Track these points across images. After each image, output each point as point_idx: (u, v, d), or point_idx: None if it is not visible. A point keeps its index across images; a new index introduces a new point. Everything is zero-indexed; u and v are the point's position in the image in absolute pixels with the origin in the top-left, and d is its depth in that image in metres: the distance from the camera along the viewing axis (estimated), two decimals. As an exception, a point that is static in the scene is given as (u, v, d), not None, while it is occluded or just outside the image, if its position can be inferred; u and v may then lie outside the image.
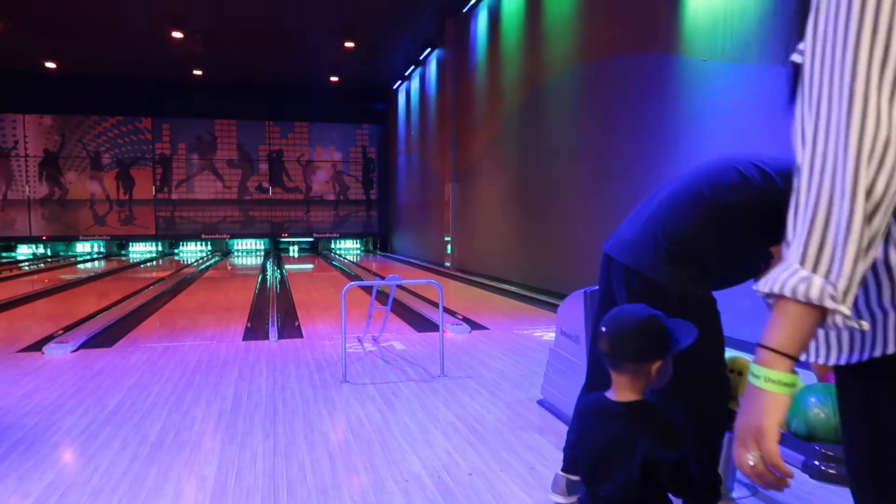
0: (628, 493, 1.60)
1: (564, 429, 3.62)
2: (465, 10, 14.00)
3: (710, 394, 2.36)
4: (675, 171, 6.60)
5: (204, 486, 2.91)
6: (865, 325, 0.99)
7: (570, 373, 3.62)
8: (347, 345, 4.69)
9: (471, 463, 3.18)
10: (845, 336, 1.04)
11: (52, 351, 5.84)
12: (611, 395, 1.69)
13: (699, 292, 2.30)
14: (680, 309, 1.90)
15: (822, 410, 2.11)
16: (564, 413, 3.71)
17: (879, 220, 0.90)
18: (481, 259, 13.06)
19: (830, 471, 1.99)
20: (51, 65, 18.71)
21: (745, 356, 2.69)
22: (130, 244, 23.00)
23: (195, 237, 23.22)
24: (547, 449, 3.35)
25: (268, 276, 13.36)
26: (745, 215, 2.23)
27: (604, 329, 1.66)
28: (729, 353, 2.75)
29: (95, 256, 21.16)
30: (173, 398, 4.35)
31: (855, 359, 1.03)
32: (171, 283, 12.34)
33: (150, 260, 19.71)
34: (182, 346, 6.11)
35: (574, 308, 3.60)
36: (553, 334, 3.98)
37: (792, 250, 0.96)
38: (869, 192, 0.88)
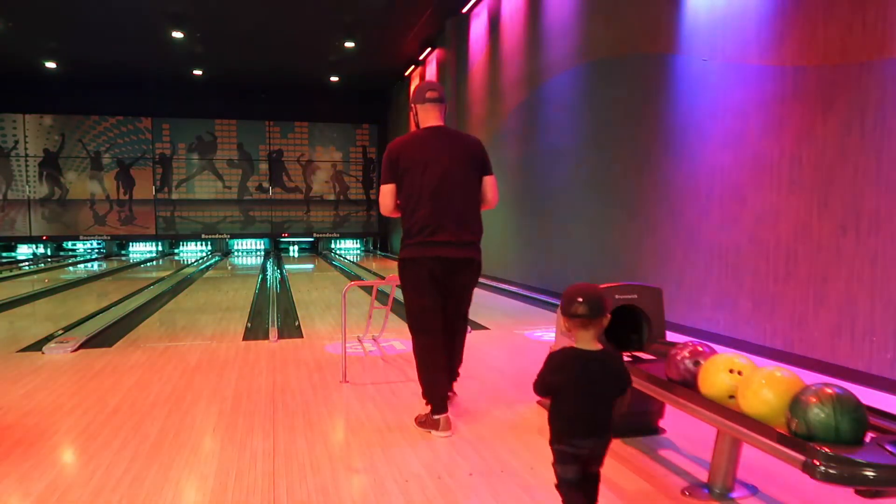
0: (608, 414, 2.27)
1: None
2: (464, 11, 14.00)
3: None
4: (674, 171, 6.61)
5: (204, 486, 2.91)
6: None
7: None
8: (347, 345, 4.69)
9: (471, 463, 3.18)
10: None
11: (52, 351, 5.84)
12: (583, 346, 2.31)
13: None
14: None
15: (822, 410, 2.11)
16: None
17: None
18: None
19: (831, 471, 1.99)
20: (51, 64, 18.69)
21: (745, 356, 2.69)
22: (130, 244, 22.98)
23: (195, 237, 23.21)
24: (547, 449, 3.35)
25: (268, 276, 13.36)
26: None
27: (580, 299, 2.30)
28: (729, 354, 2.75)
29: (95, 256, 21.15)
30: (173, 398, 4.35)
31: None
32: (171, 282, 12.34)
33: (150, 260, 19.70)
34: (182, 346, 6.11)
35: (574, 308, 3.60)
36: (553, 334, 3.98)
37: None
38: None
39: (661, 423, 3.56)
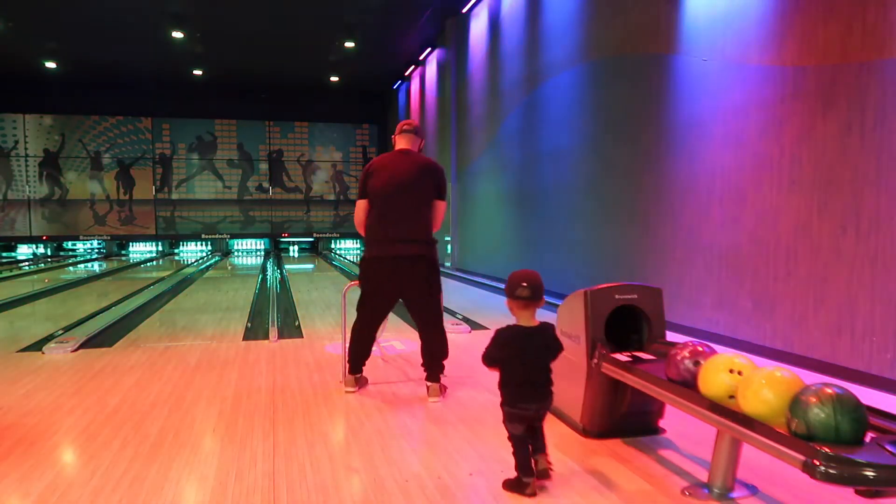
0: (547, 378, 2.83)
1: (565, 429, 3.62)
2: (464, 11, 14.00)
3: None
4: (675, 171, 6.61)
5: (204, 486, 2.91)
6: None
7: (570, 373, 3.61)
8: (347, 345, 4.69)
9: (471, 463, 3.18)
10: None
11: (53, 351, 5.84)
12: (524, 324, 2.83)
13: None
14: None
15: (822, 410, 2.11)
16: (564, 413, 3.71)
17: None
18: (481, 259, 13.07)
19: (831, 471, 1.99)
20: (51, 64, 18.70)
21: (745, 356, 2.69)
22: (130, 244, 22.99)
23: (195, 237, 23.21)
24: (548, 449, 3.35)
25: (268, 276, 13.36)
26: None
27: (525, 284, 2.80)
28: (729, 354, 2.75)
29: (95, 256, 21.15)
30: (173, 398, 4.35)
31: None
32: (171, 282, 12.34)
33: (150, 260, 19.71)
34: (182, 346, 6.11)
35: (574, 308, 3.60)
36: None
37: None
38: None
39: (662, 423, 3.56)
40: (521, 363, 2.79)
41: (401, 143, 4.41)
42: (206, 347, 6.05)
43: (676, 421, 3.54)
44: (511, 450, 2.83)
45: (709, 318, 6.14)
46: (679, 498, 2.74)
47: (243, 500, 2.76)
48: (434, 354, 4.34)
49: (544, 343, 2.85)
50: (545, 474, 2.84)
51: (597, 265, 8.29)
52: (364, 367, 4.52)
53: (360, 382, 4.52)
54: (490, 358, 2.83)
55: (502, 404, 2.81)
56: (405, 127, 4.43)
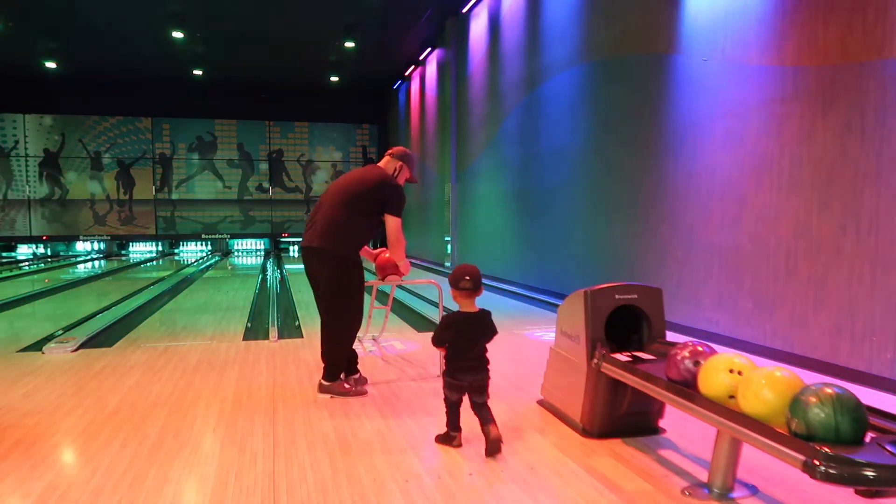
0: (482, 355, 3.38)
1: (565, 429, 3.62)
2: (464, 10, 14.00)
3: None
4: (674, 171, 6.61)
5: (204, 486, 2.91)
6: None
7: (571, 373, 3.62)
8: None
9: (471, 463, 3.18)
10: None
11: (53, 351, 5.84)
12: (465, 310, 3.38)
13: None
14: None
15: (822, 410, 2.11)
16: (565, 413, 3.71)
17: None
18: (481, 259, 13.07)
19: (831, 471, 1.99)
20: (51, 64, 18.70)
21: (745, 356, 2.69)
22: (130, 244, 22.98)
23: (195, 237, 23.22)
24: (547, 449, 3.35)
25: (268, 276, 13.36)
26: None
27: (467, 277, 3.35)
28: (729, 354, 2.75)
29: (95, 256, 21.15)
30: (173, 398, 4.35)
31: None
32: (171, 282, 12.34)
33: (151, 260, 19.71)
34: (182, 346, 6.11)
35: (574, 308, 3.60)
36: (553, 334, 3.99)
37: None
38: None
39: (662, 423, 3.56)
40: (463, 341, 3.34)
41: (381, 162, 4.63)
42: (207, 347, 6.05)
43: (677, 421, 3.54)
44: (445, 410, 3.41)
45: (709, 318, 6.14)
46: (679, 498, 2.74)
47: (243, 500, 2.76)
48: (322, 354, 4.38)
49: (482, 327, 3.38)
50: (496, 444, 3.24)
51: (597, 265, 8.29)
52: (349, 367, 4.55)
53: (360, 382, 4.53)
54: (438, 339, 3.40)
55: (444, 374, 3.39)
56: (389, 151, 4.69)
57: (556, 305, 3.94)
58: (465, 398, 3.35)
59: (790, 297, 5.19)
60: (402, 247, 4.54)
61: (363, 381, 4.55)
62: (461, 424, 3.41)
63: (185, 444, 3.46)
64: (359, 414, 3.99)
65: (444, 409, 3.42)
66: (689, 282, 6.42)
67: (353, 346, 4.50)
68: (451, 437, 3.40)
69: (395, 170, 4.55)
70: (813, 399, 2.13)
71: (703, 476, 2.91)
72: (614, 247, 7.92)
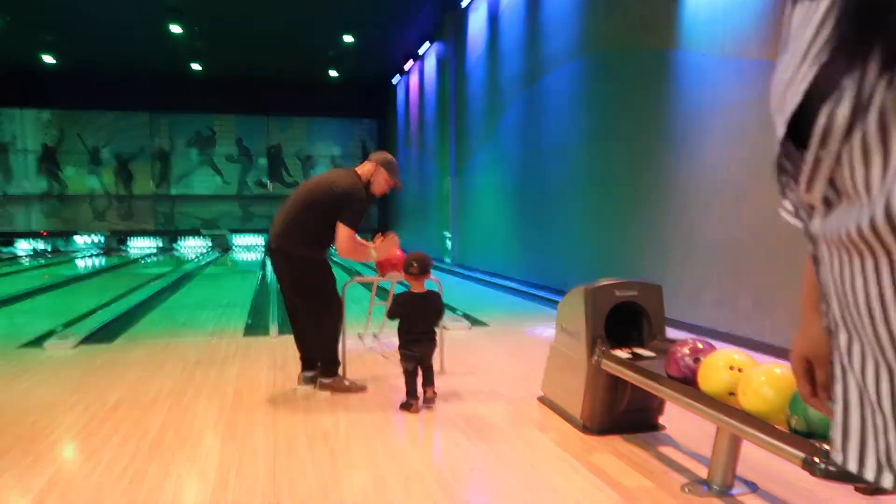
0: (431, 330, 3.95)
1: (565, 425, 3.62)
2: (463, 5, 13.98)
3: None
4: (675, 166, 6.61)
5: (205, 483, 2.91)
6: None
7: (571, 369, 3.62)
8: (348, 341, 4.69)
9: (472, 459, 3.18)
10: None
11: (53, 347, 5.85)
12: (416, 291, 3.98)
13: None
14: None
15: (822, 408, 2.11)
16: (565, 410, 3.71)
17: None
18: (481, 254, 13.08)
19: (831, 468, 1.99)
20: (49, 59, 18.67)
21: (745, 353, 2.70)
22: (130, 239, 22.98)
23: (195, 232, 23.21)
24: (548, 445, 3.36)
25: (268, 272, 13.37)
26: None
27: (416, 263, 3.97)
28: (729, 350, 2.76)
29: (95, 252, 21.15)
30: (174, 394, 4.35)
31: None
32: (172, 278, 12.34)
33: (150, 255, 19.70)
34: (182, 342, 6.11)
35: (575, 305, 3.60)
36: (553, 330, 3.99)
37: None
38: None
39: (661, 420, 3.57)
40: (413, 317, 3.89)
41: (360, 166, 4.60)
42: (207, 343, 6.05)
43: (676, 417, 3.55)
44: (404, 380, 3.92)
45: (709, 314, 6.15)
46: (679, 495, 2.74)
47: (244, 497, 2.76)
48: (315, 352, 4.48)
49: (431, 306, 3.98)
50: (431, 400, 3.93)
51: (597, 261, 8.30)
52: (302, 364, 4.59)
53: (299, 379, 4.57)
54: (392, 313, 3.98)
55: (399, 347, 3.92)
56: (371, 154, 4.69)
57: (556, 302, 3.94)
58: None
59: (791, 294, 5.19)
60: (356, 256, 4.52)
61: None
62: (418, 391, 3.93)
63: (185, 439, 3.47)
64: (359, 409, 3.99)
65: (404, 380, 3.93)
66: (690, 278, 6.42)
67: (356, 345, 4.53)
68: (409, 403, 3.90)
69: (371, 173, 4.45)
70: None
71: (702, 473, 2.91)
72: (615, 243, 7.92)
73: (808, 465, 2.05)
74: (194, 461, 3.17)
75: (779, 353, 5.16)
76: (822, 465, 2.00)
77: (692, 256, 6.39)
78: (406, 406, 3.90)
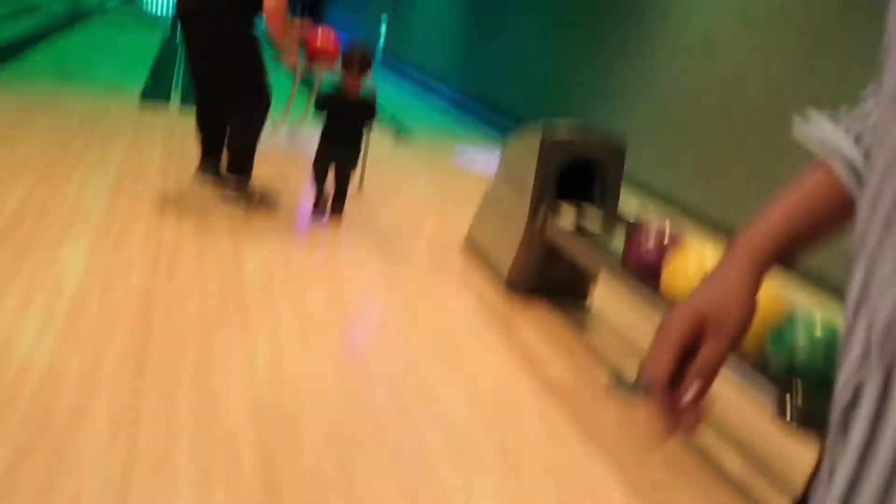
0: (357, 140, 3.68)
1: (488, 283, 3.25)
2: None
3: None
4: (646, 4, 5.92)
5: (60, 297, 2.39)
6: None
7: (506, 223, 3.20)
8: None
9: (383, 314, 2.81)
10: None
11: None
12: (350, 95, 3.55)
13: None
14: None
15: (813, 357, 1.79)
16: (491, 263, 3.33)
17: None
18: (417, 51, 12.06)
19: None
20: None
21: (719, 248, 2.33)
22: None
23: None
24: (468, 308, 3.02)
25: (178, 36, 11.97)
26: None
27: (357, 59, 3.48)
28: (702, 250, 2.39)
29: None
30: (42, 163, 3.68)
31: None
32: (62, 8, 10.82)
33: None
34: (65, 96, 5.28)
35: (524, 155, 3.11)
36: (484, 156, 3.54)
37: None
38: None
39: (593, 289, 3.22)
40: (342, 120, 3.53)
41: None
42: (95, 102, 5.23)
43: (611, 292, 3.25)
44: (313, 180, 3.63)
45: (654, 174, 5.80)
46: (600, 395, 2.49)
47: (109, 322, 2.27)
48: (227, 141, 3.71)
49: (363, 114, 3.61)
50: (336, 216, 3.68)
51: (546, 89, 7.64)
52: (203, 149, 3.81)
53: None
54: (322, 104, 3.57)
55: (317, 151, 3.61)
56: None
57: (491, 120, 3.45)
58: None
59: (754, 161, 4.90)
60: (282, 31, 3.54)
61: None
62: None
63: (45, 231, 2.86)
64: (262, 234, 3.48)
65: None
66: (648, 129, 5.94)
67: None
68: (316, 207, 3.68)
69: None
70: (803, 340, 1.80)
71: (628, 357, 2.67)
72: (570, 73, 7.25)
73: (781, 410, 1.75)
74: (50, 265, 2.60)
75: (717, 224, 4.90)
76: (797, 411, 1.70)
77: (653, 105, 5.90)
78: (315, 208, 3.64)
